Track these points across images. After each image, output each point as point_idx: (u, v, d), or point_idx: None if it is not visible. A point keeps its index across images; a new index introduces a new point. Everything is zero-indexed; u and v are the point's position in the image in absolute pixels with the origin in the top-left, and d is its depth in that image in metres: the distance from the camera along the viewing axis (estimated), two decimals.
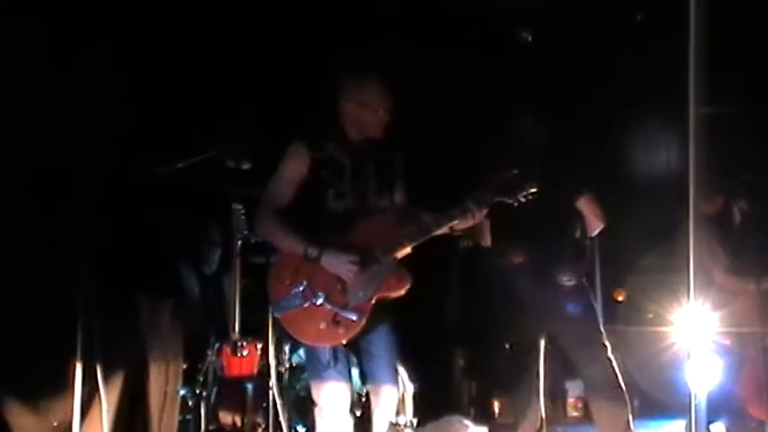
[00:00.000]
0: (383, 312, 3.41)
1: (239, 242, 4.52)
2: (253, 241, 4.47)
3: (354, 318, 3.28)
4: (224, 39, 4.85)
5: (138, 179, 4.05)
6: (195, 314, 4.92)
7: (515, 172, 3.40)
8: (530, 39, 5.84)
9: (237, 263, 4.55)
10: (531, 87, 5.61)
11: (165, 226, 4.33)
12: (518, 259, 4.33)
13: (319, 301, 3.29)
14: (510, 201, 3.37)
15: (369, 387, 3.53)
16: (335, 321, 3.28)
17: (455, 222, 3.36)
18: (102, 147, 3.88)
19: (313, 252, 3.31)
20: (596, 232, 4.35)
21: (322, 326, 3.30)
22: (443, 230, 3.39)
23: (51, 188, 3.65)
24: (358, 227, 3.40)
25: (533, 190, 3.37)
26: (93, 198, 3.73)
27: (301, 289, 3.32)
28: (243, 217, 4.48)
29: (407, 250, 3.37)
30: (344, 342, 3.34)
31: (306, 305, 3.31)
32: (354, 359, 3.57)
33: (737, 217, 4.89)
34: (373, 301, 3.32)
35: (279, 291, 3.39)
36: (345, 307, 3.28)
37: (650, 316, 5.80)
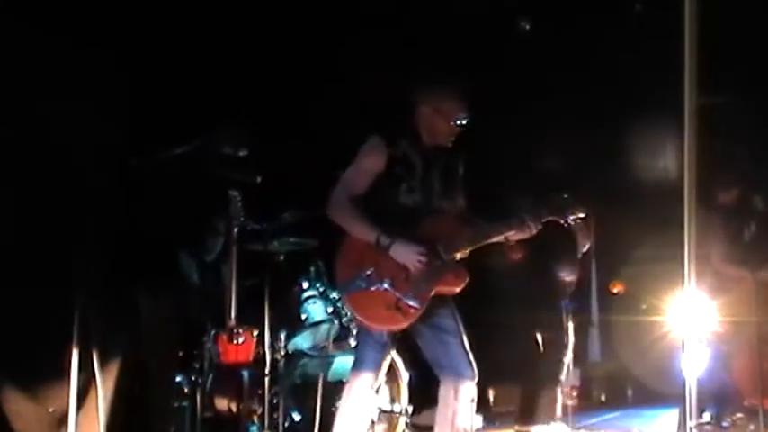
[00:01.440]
0: (448, 300, 3.65)
1: (236, 229, 4.52)
2: (249, 228, 4.49)
3: (416, 305, 3.47)
4: (223, 26, 4.84)
5: (135, 166, 4.04)
6: (192, 301, 4.92)
7: (566, 196, 3.71)
8: (527, 27, 5.84)
9: (234, 250, 4.56)
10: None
11: (163, 213, 4.32)
12: (517, 255, 4.39)
13: (385, 286, 3.50)
14: (561, 221, 3.64)
15: (446, 376, 3.68)
16: (397, 307, 3.48)
17: (511, 233, 3.60)
18: (100, 134, 3.87)
19: (385, 240, 3.51)
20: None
21: (385, 309, 3.49)
22: (499, 239, 3.63)
23: (49, 175, 3.64)
24: (423, 224, 3.61)
25: (582, 215, 3.66)
26: (91, 185, 3.72)
27: (368, 273, 3.52)
28: (240, 204, 4.49)
29: (466, 252, 3.60)
30: (402, 327, 3.54)
31: (372, 288, 3.51)
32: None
33: (749, 209, 4.91)
34: (433, 294, 3.52)
35: (347, 273, 3.59)
36: (408, 294, 3.47)
37: (644, 307, 5.83)
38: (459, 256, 3.58)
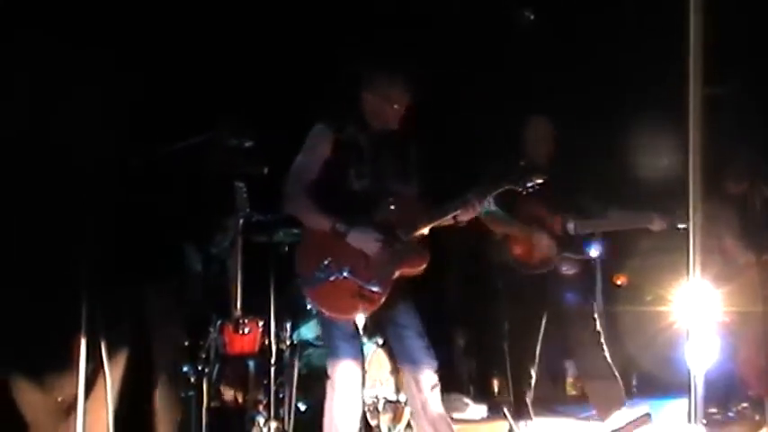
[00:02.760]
0: (406, 294, 3.68)
1: (241, 220, 4.52)
2: (254, 220, 4.49)
3: (379, 290, 3.47)
4: (226, 18, 4.84)
5: (140, 159, 4.04)
6: (198, 292, 4.93)
7: (522, 163, 3.73)
8: (532, 17, 5.83)
9: (239, 241, 4.56)
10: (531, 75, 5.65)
11: (168, 206, 4.32)
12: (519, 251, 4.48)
13: (345, 275, 3.50)
14: (518, 188, 3.58)
15: (406, 369, 3.72)
16: (360, 294, 3.48)
17: (472, 206, 3.58)
18: (104, 127, 3.87)
19: (341, 227, 3.51)
20: None
21: (347, 299, 3.49)
22: (449, 219, 3.62)
23: (56, 167, 3.65)
24: (380, 208, 3.61)
25: (540, 180, 3.58)
26: (98, 176, 3.73)
27: (327, 263, 3.52)
28: (245, 195, 4.49)
29: (425, 231, 3.60)
30: (367, 314, 3.50)
31: (332, 278, 3.52)
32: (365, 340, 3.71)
33: (759, 200, 4.92)
34: (395, 276, 3.53)
35: (307, 266, 3.62)
36: (369, 281, 3.47)
37: (649, 298, 5.83)
38: (417, 235, 3.59)
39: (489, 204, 3.87)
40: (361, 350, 3.55)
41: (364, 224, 3.53)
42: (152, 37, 4.21)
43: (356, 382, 3.53)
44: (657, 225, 4.47)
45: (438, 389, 3.72)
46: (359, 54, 4.20)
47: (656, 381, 6.07)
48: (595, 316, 4.54)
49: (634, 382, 5.70)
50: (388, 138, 3.73)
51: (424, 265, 3.60)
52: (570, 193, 4.50)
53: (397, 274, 3.54)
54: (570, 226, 4.54)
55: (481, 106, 5.92)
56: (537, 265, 4.59)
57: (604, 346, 4.45)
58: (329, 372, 3.63)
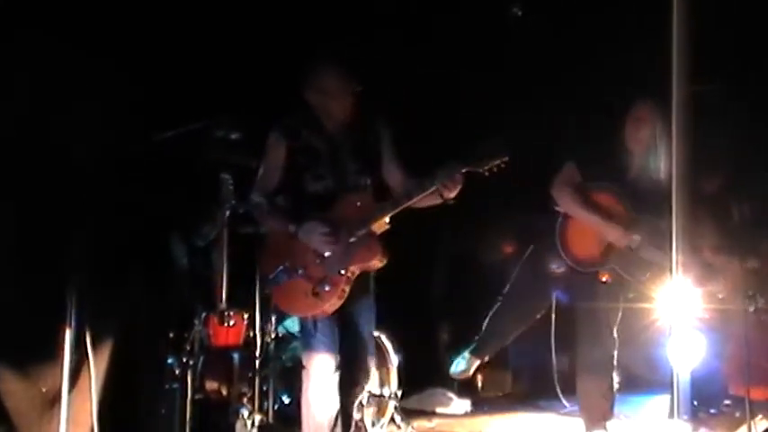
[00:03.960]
0: (365, 292, 3.69)
1: (227, 212, 4.52)
2: (241, 211, 4.48)
3: (329, 288, 3.51)
4: (216, 10, 4.82)
5: (127, 150, 4.03)
6: (183, 284, 4.91)
7: (486, 142, 3.47)
8: (519, 13, 5.82)
9: (225, 233, 4.56)
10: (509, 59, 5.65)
11: (155, 197, 4.31)
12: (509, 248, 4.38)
13: (299, 274, 3.56)
14: (480, 171, 3.42)
15: (345, 360, 3.68)
16: (314, 293, 3.53)
17: (428, 193, 3.45)
18: (92, 118, 3.86)
19: (292, 228, 3.57)
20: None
21: (304, 297, 3.55)
22: (428, 198, 3.50)
23: (43, 158, 3.64)
24: (336, 204, 3.62)
25: (504, 159, 3.41)
26: (84, 167, 3.72)
27: (286, 265, 3.59)
28: (231, 187, 4.48)
29: (384, 223, 3.57)
30: (328, 312, 3.56)
31: (290, 280, 3.59)
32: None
33: (736, 198, 4.92)
34: (350, 274, 3.54)
35: (267, 268, 3.69)
36: (323, 279, 3.52)
37: (631, 296, 5.84)
38: (375, 228, 3.54)
39: None
40: (333, 341, 3.60)
41: (319, 222, 3.55)
42: (143, 29, 4.20)
43: (330, 374, 3.59)
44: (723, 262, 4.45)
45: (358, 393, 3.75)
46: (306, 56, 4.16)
47: (639, 377, 6.09)
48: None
49: (617, 379, 5.69)
50: (345, 134, 3.70)
51: (378, 260, 3.57)
52: (654, 208, 4.09)
53: (350, 270, 3.53)
54: (636, 239, 4.18)
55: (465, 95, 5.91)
56: (581, 262, 4.26)
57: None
58: (305, 363, 3.67)
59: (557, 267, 4.26)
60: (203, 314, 4.53)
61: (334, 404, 3.60)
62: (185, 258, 5.16)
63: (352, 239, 3.53)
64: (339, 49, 3.85)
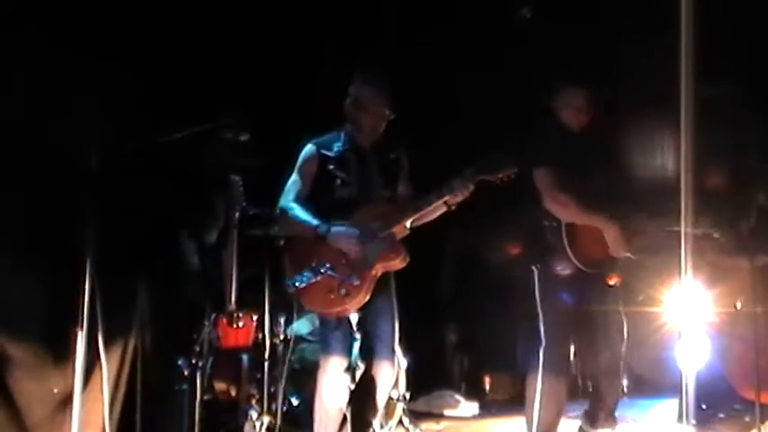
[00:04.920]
0: (387, 292, 3.86)
1: (237, 213, 4.52)
2: (251, 213, 4.49)
3: (356, 282, 3.67)
4: (226, 12, 4.83)
5: (138, 149, 4.04)
6: (192, 285, 4.92)
7: (497, 154, 3.73)
8: (529, 16, 5.82)
9: (235, 234, 4.56)
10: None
11: (164, 198, 4.32)
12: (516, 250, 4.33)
13: (327, 272, 3.70)
14: (491, 179, 3.69)
15: (369, 364, 3.81)
16: (340, 289, 3.68)
17: (445, 199, 3.71)
18: (99, 119, 3.87)
19: (323, 229, 3.73)
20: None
21: (330, 295, 3.69)
22: (438, 207, 3.78)
23: (51, 159, 3.65)
24: (359, 210, 3.83)
25: (513, 170, 3.70)
26: (97, 167, 3.73)
27: (313, 265, 3.73)
28: (241, 188, 4.49)
29: (405, 228, 3.80)
30: (351, 309, 3.68)
31: (316, 279, 3.73)
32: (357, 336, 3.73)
33: (747, 197, 4.90)
34: (375, 272, 3.73)
35: (293, 270, 3.81)
36: (349, 276, 3.68)
37: (640, 298, 5.83)
38: (397, 232, 3.77)
39: None
40: (350, 345, 3.68)
41: (342, 225, 3.75)
42: (153, 30, 4.21)
43: (346, 375, 3.68)
44: (701, 231, 4.40)
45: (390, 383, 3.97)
46: (342, 64, 4.22)
47: (647, 381, 6.09)
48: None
49: (625, 382, 5.70)
50: (374, 149, 3.96)
51: (401, 261, 3.77)
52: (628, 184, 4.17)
53: (375, 269, 3.73)
54: (635, 222, 4.15)
55: (478, 108, 5.91)
56: (596, 264, 4.12)
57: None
58: (322, 363, 3.82)
59: (561, 269, 4.20)
60: (213, 315, 4.54)
61: (345, 399, 3.69)
62: (196, 257, 5.18)
63: (376, 240, 3.72)
64: (382, 73, 4.02)
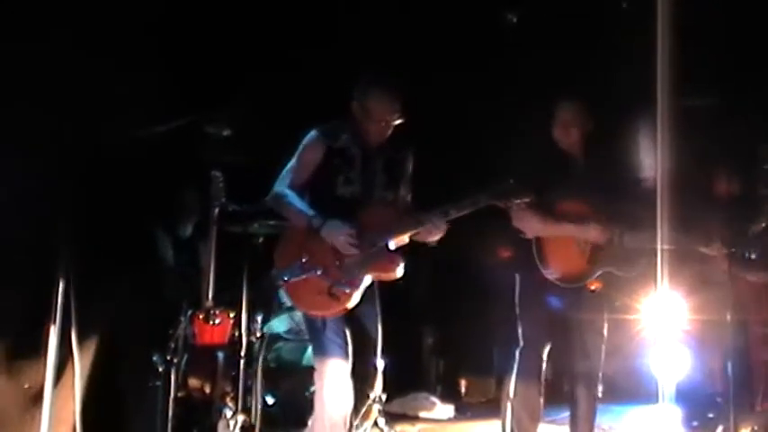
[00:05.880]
0: (372, 296, 3.73)
1: (216, 210, 4.47)
2: (230, 209, 4.45)
3: (347, 290, 3.55)
4: (213, 7, 4.80)
5: (116, 143, 3.99)
6: (168, 281, 4.88)
7: (512, 181, 3.66)
8: (515, 20, 5.83)
9: (214, 231, 4.51)
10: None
11: (142, 190, 4.27)
12: (506, 253, 4.30)
13: (318, 273, 3.56)
14: (504, 206, 3.67)
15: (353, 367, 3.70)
16: (330, 293, 3.55)
17: (449, 218, 3.61)
18: (81, 111, 3.82)
19: (317, 222, 3.58)
20: None
21: (318, 296, 3.57)
22: (425, 235, 3.65)
23: (28, 152, 3.59)
24: (361, 212, 3.67)
25: (527, 199, 3.66)
26: (70, 161, 3.68)
27: (303, 261, 3.58)
28: (221, 184, 4.43)
29: (404, 239, 3.65)
30: (338, 314, 3.59)
31: (305, 276, 3.57)
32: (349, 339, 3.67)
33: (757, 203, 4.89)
34: (366, 280, 3.59)
35: (284, 262, 3.67)
36: (340, 280, 3.55)
37: (617, 303, 5.84)
38: (393, 243, 3.63)
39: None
40: (345, 343, 3.61)
41: (339, 221, 3.59)
42: (141, 16, 4.17)
43: (346, 377, 3.59)
44: (715, 249, 4.27)
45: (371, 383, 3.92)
46: (357, 65, 4.15)
47: (621, 388, 6.11)
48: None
49: (600, 388, 5.71)
50: (382, 147, 3.80)
51: (397, 272, 3.63)
52: (613, 197, 4.04)
53: (368, 277, 3.60)
54: (616, 230, 4.02)
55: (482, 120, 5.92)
56: (571, 278, 4.05)
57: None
58: (317, 366, 3.65)
59: (550, 273, 4.19)
60: (189, 312, 4.50)
61: (349, 404, 3.61)
62: (170, 252, 5.14)
63: (372, 249, 3.60)
64: (392, 79, 3.84)
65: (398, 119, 3.75)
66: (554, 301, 4.11)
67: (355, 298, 3.56)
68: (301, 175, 3.73)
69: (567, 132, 4.15)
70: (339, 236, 3.55)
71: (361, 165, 3.75)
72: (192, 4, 4.74)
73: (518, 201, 3.67)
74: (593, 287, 4.20)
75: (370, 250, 3.59)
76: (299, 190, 3.72)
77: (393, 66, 4.43)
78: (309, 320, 3.74)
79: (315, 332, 3.66)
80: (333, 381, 3.60)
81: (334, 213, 3.61)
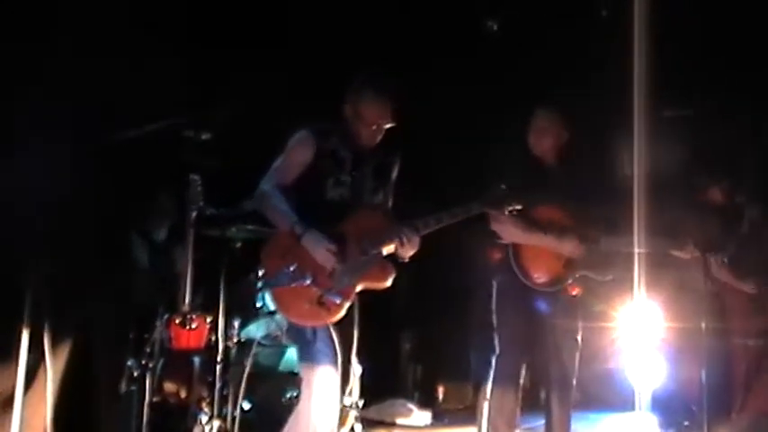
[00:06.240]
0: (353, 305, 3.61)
1: (194, 213, 4.44)
2: (208, 213, 4.41)
3: (338, 301, 3.42)
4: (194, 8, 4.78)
5: (91, 145, 3.95)
6: (143, 283, 4.84)
7: (504, 187, 3.65)
8: (495, 28, 5.85)
9: (191, 234, 4.48)
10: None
11: (118, 193, 4.23)
12: (497, 255, 4.27)
13: (307, 282, 3.44)
14: (496, 213, 3.71)
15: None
16: (320, 303, 3.43)
17: (442, 225, 3.56)
18: (57, 112, 3.78)
19: (299, 229, 3.46)
20: None
21: (307, 306, 3.44)
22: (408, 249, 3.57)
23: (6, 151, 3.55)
24: (350, 218, 3.57)
25: (519, 207, 3.65)
26: (43, 162, 3.63)
27: (292, 269, 3.45)
28: (199, 188, 4.40)
29: (393, 247, 3.54)
30: (327, 324, 3.47)
31: (294, 284, 3.45)
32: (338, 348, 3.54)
33: (744, 210, 4.91)
34: (357, 289, 3.50)
35: (271, 268, 3.56)
36: (330, 290, 3.43)
37: (594, 309, 5.86)
38: (385, 251, 3.53)
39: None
40: (335, 352, 3.48)
41: (335, 232, 3.49)
42: (121, 17, 4.13)
43: (335, 386, 3.47)
44: (689, 252, 4.27)
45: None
46: (352, 67, 4.12)
47: (596, 395, 6.13)
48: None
49: (575, 395, 5.73)
50: (372, 151, 3.72)
51: (389, 280, 3.54)
52: (590, 201, 4.08)
53: (359, 286, 3.49)
54: (592, 239, 4.07)
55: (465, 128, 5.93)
56: (547, 283, 4.11)
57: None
58: (305, 375, 3.51)
59: (537, 277, 4.20)
60: (165, 316, 4.46)
61: (336, 416, 3.50)
62: (145, 255, 5.10)
63: (364, 257, 3.50)
64: (384, 83, 3.75)
65: (390, 123, 3.68)
66: (531, 306, 4.13)
67: (345, 307, 3.44)
68: (289, 175, 3.61)
69: (541, 140, 4.21)
70: (319, 248, 3.44)
71: (352, 168, 3.65)
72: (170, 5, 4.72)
73: (510, 208, 3.65)
74: (574, 292, 4.22)
75: (362, 259, 3.49)
76: (286, 190, 3.58)
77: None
78: (298, 329, 3.58)
79: (304, 342, 3.52)
80: (322, 390, 3.46)
81: (323, 216, 3.51)
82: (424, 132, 5.83)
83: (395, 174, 3.83)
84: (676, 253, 4.30)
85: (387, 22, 5.59)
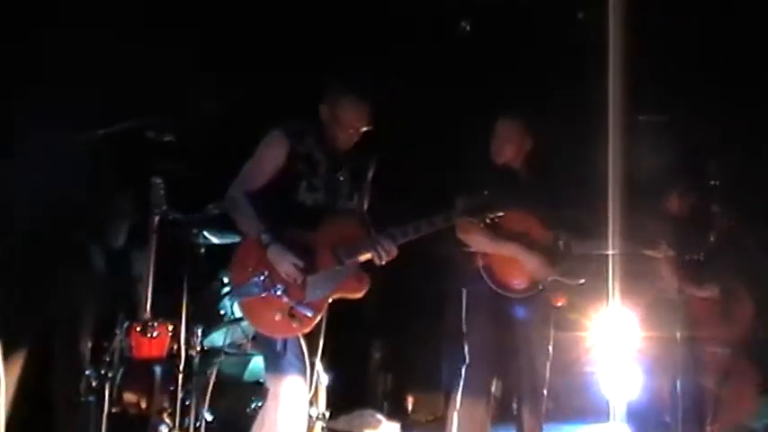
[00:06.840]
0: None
1: (156, 218, 4.33)
2: (171, 217, 4.30)
3: (309, 314, 3.33)
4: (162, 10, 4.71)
5: (47, 146, 3.84)
6: (101, 289, 4.70)
7: (486, 194, 3.55)
8: (468, 28, 5.82)
9: (154, 240, 4.37)
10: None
11: (74, 196, 4.12)
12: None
13: (278, 293, 3.34)
14: (477, 221, 3.59)
15: None
16: (291, 314, 3.33)
17: (420, 234, 3.48)
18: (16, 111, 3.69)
19: (266, 239, 3.36)
20: None
21: (277, 317, 3.34)
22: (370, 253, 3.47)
23: None
24: (324, 224, 3.47)
25: (500, 214, 3.54)
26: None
27: (262, 279, 3.36)
28: (162, 191, 4.29)
29: (369, 256, 3.44)
30: (297, 335, 3.38)
31: (264, 294, 3.36)
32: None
33: (704, 218, 4.90)
34: (330, 300, 3.42)
35: (240, 277, 3.43)
36: (302, 302, 3.34)
37: (571, 317, 5.82)
38: (361, 260, 3.44)
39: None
40: (304, 363, 3.39)
41: (308, 239, 3.40)
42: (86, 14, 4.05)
43: (303, 399, 3.39)
44: (661, 252, 4.30)
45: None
46: (328, 69, 4.05)
47: (569, 405, 6.09)
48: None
49: (546, 405, 5.67)
50: (348, 154, 3.63)
51: (363, 291, 3.46)
52: (560, 206, 4.10)
53: (332, 297, 3.41)
54: (563, 244, 4.12)
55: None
56: (521, 289, 4.11)
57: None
58: (272, 386, 3.41)
59: (518, 284, 4.15)
60: (125, 324, 4.35)
61: (303, 428, 3.42)
62: (102, 262, 4.96)
63: (339, 267, 3.40)
64: (363, 86, 3.68)
65: (367, 126, 3.59)
66: (504, 315, 4.08)
67: (317, 319, 3.35)
68: (260, 178, 3.49)
69: (503, 148, 4.21)
70: (283, 262, 3.32)
71: (326, 171, 3.54)
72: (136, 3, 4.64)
73: (492, 215, 3.54)
74: (559, 303, 4.19)
75: (336, 267, 3.40)
76: (257, 194, 3.47)
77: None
78: (266, 339, 3.46)
79: (272, 354, 3.40)
80: (289, 403, 3.36)
81: (296, 221, 3.41)
82: (397, 136, 5.79)
83: (370, 177, 3.73)
84: (649, 253, 4.28)
85: (359, 23, 5.54)
